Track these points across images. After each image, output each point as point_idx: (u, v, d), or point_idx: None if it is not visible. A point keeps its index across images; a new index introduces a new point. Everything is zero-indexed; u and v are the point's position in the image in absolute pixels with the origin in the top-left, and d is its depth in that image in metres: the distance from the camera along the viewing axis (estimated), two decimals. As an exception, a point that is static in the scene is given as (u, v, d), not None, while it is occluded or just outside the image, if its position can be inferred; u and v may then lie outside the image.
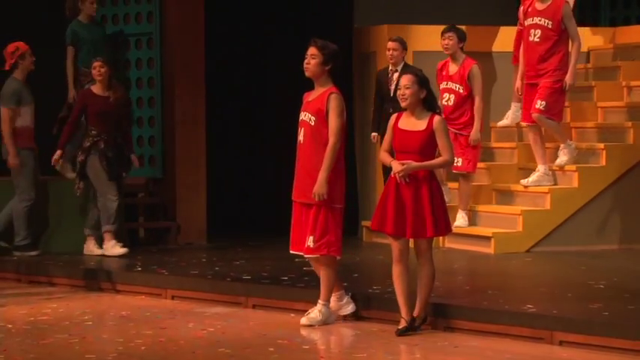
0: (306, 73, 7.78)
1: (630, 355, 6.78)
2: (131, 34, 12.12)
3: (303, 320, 7.72)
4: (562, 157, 10.57)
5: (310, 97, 7.81)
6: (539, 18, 10.45)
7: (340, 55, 7.87)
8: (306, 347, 7.31)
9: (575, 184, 10.70)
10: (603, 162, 10.69)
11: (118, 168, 10.22)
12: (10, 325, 8.01)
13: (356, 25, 12.36)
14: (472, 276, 9.10)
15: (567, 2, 10.54)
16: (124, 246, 10.19)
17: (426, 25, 11.78)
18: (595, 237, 10.65)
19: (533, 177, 10.52)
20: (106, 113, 10.14)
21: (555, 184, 10.52)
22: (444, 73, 10.63)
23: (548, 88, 10.39)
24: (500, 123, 11.43)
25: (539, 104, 10.34)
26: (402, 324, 7.38)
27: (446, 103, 10.48)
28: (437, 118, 7.36)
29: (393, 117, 7.51)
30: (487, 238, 10.50)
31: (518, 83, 10.70)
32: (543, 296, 8.23)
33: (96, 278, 9.61)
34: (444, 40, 10.57)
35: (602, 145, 10.81)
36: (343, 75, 11.23)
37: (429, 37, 11.57)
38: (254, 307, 8.48)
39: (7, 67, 10.31)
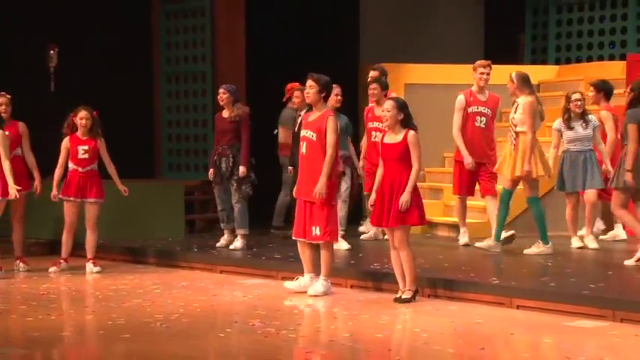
0: (307, 100, 7.74)
1: (571, 316, 6.78)
2: (190, 71, 12.19)
3: (310, 291, 7.62)
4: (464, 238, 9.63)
5: (310, 118, 7.72)
6: (483, 107, 9.44)
7: (331, 85, 7.79)
8: (323, 310, 7.32)
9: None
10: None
11: (226, 176, 9.53)
12: (97, 293, 8.05)
13: (361, 63, 12.37)
14: (450, 255, 9.08)
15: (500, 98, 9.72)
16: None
17: (416, 63, 11.78)
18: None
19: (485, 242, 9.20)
20: (223, 131, 9.58)
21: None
22: (369, 115, 9.68)
23: (494, 172, 9.35)
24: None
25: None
26: (399, 294, 7.36)
27: (375, 140, 9.35)
28: (410, 133, 7.22)
29: (382, 134, 7.42)
30: (461, 227, 10.47)
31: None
32: (504, 271, 8.22)
33: (163, 257, 9.63)
34: (369, 89, 9.68)
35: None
36: (349, 105, 11.31)
37: (417, 73, 11.57)
38: (283, 279, 8.46)
39: (284, 100, 10.34)
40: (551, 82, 12.52)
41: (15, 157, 8.92)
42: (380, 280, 7.92)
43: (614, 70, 12.05)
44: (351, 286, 8.06)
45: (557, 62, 13.83)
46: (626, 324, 6.54)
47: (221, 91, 9.67)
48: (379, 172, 7.36)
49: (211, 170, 9.65)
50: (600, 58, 13.51)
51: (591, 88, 9.82)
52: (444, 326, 6.62)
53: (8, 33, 11.06)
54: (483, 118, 9.47)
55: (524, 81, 8.82)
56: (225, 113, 9.60)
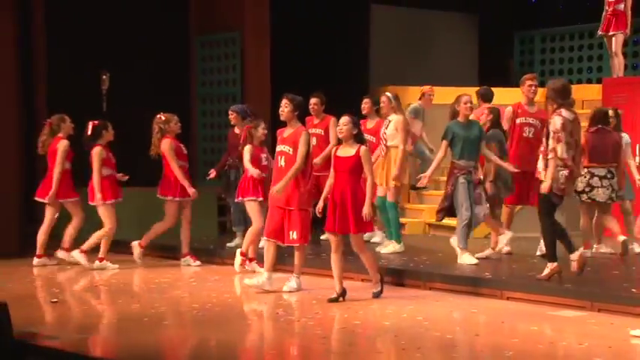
0: (281, 117, 7.47)
1: (555, 307, 6.73)
2: (222, 93, 12.22)
3: (285, 288, 7.44)
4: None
5: (285, 133, 7.49)
6: (532, 119, 8.68)
7: (303, 104, 7.64)
8: (334, 298, 7.28)
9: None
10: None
11: (234, 186, 9.26)
12: (143, 285, 8.06)
13: (370, 85, 12.36)
14: (448, 253, 9.02)
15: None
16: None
17: (418, 86, 11.74)
18: (529, 227, 10.51)
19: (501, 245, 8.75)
20: (235, 145, 9.46)
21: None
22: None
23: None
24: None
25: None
26: (335, 295, 7.09)
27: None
28: (362, 148, 6.98)
29: (335, 147, 7.16)
30: (458, 228, 10.39)
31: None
32: (496, 266, 8.17)
33: (199, 254, 9.58)
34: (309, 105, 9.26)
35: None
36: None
37: (417, 95, 11.53)
38: (302, 273, 8.43)
39: (419, 98, 10.20)
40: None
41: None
42: (386, 274, 7.87)
43: (591, 92, 12.01)
44: (362, 280, 8.02)
45: (542, 85, 13.62)
46: (603, 313, 6.50)
47: (229, 111, 9.70)
48: (329, 181, 7.09)
49: (213, 170, 9.60)
50: (579, 82, 13.50)
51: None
52: (444, 315, 6.59)
53: (67, 61, 11.26)
54: (532, 129, 8.67)
55: (398, 101, 8.88)
56: (237, 130, 9.60)
